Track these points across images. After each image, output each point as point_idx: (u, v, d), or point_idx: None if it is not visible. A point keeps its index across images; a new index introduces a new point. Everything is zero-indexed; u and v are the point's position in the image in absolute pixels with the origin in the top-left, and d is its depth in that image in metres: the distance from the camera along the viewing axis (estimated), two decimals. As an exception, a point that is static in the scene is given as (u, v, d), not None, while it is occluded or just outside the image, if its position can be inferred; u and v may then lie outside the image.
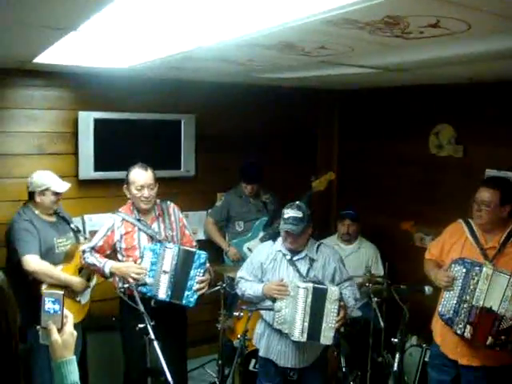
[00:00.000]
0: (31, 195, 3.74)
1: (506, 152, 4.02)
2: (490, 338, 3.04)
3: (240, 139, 5.18)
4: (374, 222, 5.12)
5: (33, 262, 3.53)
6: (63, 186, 3.77)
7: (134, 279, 3.43)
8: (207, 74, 4.08)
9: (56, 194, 3.73)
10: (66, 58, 3.38)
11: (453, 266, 3.22)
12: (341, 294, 3.31)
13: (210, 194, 5.17)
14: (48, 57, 3.30)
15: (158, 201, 3.76)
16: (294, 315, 3.29)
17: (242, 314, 3.92)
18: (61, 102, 4.46)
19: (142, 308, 3.08)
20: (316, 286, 3.29)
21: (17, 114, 4.29)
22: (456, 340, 3.25)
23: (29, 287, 3.51)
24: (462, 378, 3.30)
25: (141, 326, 3.02)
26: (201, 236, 5.10)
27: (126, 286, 3.39)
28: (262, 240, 4.64)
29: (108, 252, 3.64)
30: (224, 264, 4.84)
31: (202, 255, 3.58)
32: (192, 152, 4.97)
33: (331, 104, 5.84)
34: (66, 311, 1.69)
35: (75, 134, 4.47)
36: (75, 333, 1.70)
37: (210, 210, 5.08)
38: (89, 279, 3.79)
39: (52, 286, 3.52)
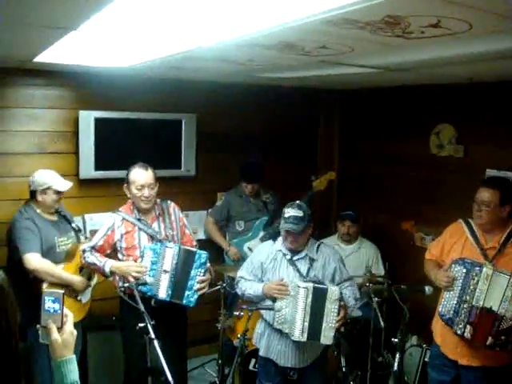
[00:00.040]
0: (33, 194, 3.74)
1: (506, 152, 4.02)
2: (489, 338, 3.04)
3: (240, 139, 5.18)
4: (374, 222, 5.12)
5: (34, 260, 3.54)
6: (65, 185, 3.78)
7: (135, 278, 3.44)
8: (207, 73, 4.08)
9: (58, 192, 3.73)
10: (66, 58, 3.38)
11: (453, 266, 3.22)
12: (341, 293, 3.31)
13: (210, 194, 5.17)
14: (48, 56, 3.30)
15: (159, 200, 3.76)
16: (294, 315, 3.29)
17: (242, 313, 3.92)
18: (61, 101, 4.47)
19: (142, 307, 3.08)
20: (316, 285, 3.29)
21: (17, 113, 4.29)
22: (456, 340, 3.25)
23: (29, 286, 3.52)
24: (462, 378, 3.30)
25: (141, 325, 3.02)
26: (201, 236, 5.10)
27: (127, 285, 3.39)
28: (263, 240, 4.64)
29: (108, 251, 3.64)
30: (224, 263, 4.84)
31: (203, 255, 3.58)
32: (192, 151, 4.97)
33: (332, 104, 5.84)
34: (65, 310, 1.69)
35: (76, 134, 4.47)
36: (75, 332, 1.70)
37: (210, 210, 5.08)
38: (89, 278, 3.80)
39: (53, 284, 3.53)
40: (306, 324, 3.28)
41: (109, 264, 3.54)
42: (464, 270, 3.16)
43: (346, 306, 3.37)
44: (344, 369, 4.09)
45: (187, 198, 4.93)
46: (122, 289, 3.39)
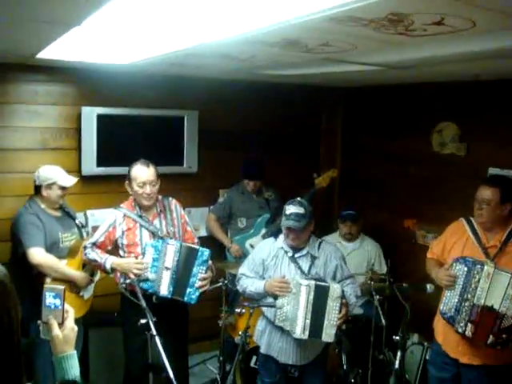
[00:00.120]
0: (37, 189, 3.77)
1: (509, 150, 4.01)
2: (491, 336, 3.03)
3: (243, 136, 5.18)
4: (376, 220, 5.12)
5: (38, 255, 3.56)
6: (70, 181, 3.80)
7: (136, 275, 3.44)
8: (210, 70, 4.08)
9: (62, 188, 3.75)
10: (69, 54, 3.38)
11: (454, 264, 3.21)
12: (343, 291, 3.31)
13: (212, 191, 5.17)
14: (51, 52, 3.30)
15: (160, 197, 3.76)
16: (295, 312, 3.29)
17: (243, 310, 3.93)
18: (64, 97, 4.47)
19: (143, 304, 3.08)
20: (318, 283, 3.28)
21: (20, 110, 4.29)
22: (457, 339, 3.25)
23: (32, 281, 3.54)
24: (463, 376, 3.30)
25: (142, 321, 3.03)
26: (203, 232, 5.11)
27: (128, 281, 3.40)
28: (264, 237, 4.65)
29: (109, 248, 3.64)
30: (226, 260, 4.84)
31: (205, 252, 3.58)
32: (194, 148, 4.97)
33: (334, 101, 5.83)
34: (66, 306, 1.70)
35: (78, 130, 4.47)
36: (76, 328, 1.71)
37: (212, 207, 5.08)
38: (92, 274, 3.81)
39: (56, 280, 3.55)
40: (308, 321, 3.28)
41: (110, 261, 3.55)
42: (465, 269, 3.16)
43: (348, 303, 3.37)
44: (345, 366, 4.10)
45: (189, 195, 4.93)
46: (124, 285, 3.39)
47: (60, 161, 4.14)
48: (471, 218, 3.34)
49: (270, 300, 3.40)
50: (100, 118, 4.47)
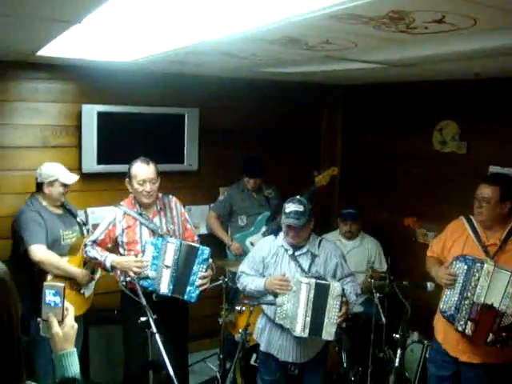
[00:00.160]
0: (39, 186, 3.78)
1: (509, 149, 4.01)
2: (490, 334, 3.04)
3: (243, 133, 5.18)
4: (376, 218, 5.12)
5: (39, 252, 3.57)
6: (72, 178, 3.82)
7: (135, 273, 3.44)
8: (211, 68, 4.07)
9: (64, 185, 3.77)
10: (69, 51, 3.38)
11: (454, 262, 3.21)
12: (343, 289, 3.30)
13: (212, 189, 5.17)
14: (52, 50, 3.29)
15: (160, 195, 3.76)
16: (295, 310, 3.29)
17: (243, 308, 3.93)
18: (64, 95, 4.47)
19: (144, 301, 3.08)
20: (319, 281, 3.28)
21: (20, 107, 4.29)
22: (457, 337, 3.25)
23: (34, 278, 3.55)
24: (462, 374, 3.30)
25: (143, 319, 3.03)
26: (203, 230, 5.11)
27: (129, 279, 3.39)
28: (265, 234, 4.65)
29: (109, 246, 3.64)
30: (226, 258, 4.84)
31: (206, 251, 3.58)
32: (195, 146, 4.97)
33: (335, 99, 5.83)
34: (66, 303, 1.70)
35: (78, 127, 4.47)
36: (76, 325, 1.71)
37: (212, 205, 5.08)
38: (93, 272, 3.82)
39: (57, 277, 3.57)
40: (308, 319, 3.28)
41: (110, 259, 3.55)
42: (465, 267, 3.15)
43: (348, 301, 3.37)
44: (345, 364, 4.10)
45: (189, 193, 4.94)
46: (124, 283, 3.39)
47: (60, 158, 4.14)
48: (471, 217, 3.34)
49: (270, 298, 3.40)
50: (100, 115, 4.47)
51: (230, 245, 4.87)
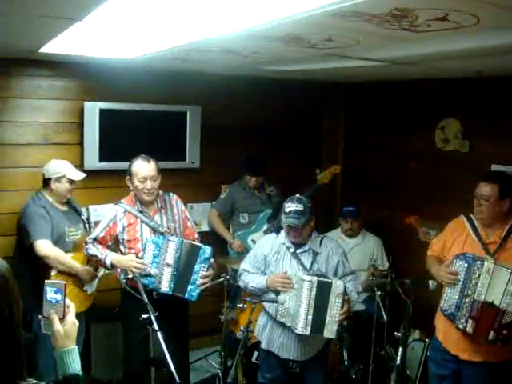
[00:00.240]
0: (46, 182, 3.81)
1: (512, 147, 4.01)
2: (491, 332, 3.03)
3: (245, 131, 5.17)
4: (378, 216, 5.11)
5: (45, 246, 3.59)
6: (79, 175, 3.87)
7: (135, 272, 3.42)
8: (213, 65, 4.07)
9: (71, 182, 3.81)
10: (71, 48, 3.38)
11: (454, 261, 3.21)
12: (345, 287, 3.30)
13: (214, 186, 5.17)
14: (54, 47, 3.29)
15: (161, 192, 3.75)
16: (297, 308, 3.29)
17: (245, 305, 3.92)
18: (67, 92, 4.47)
19: (145, 298, 3.08)
20: (321, 279, 3.28)
21: (23, 104, 4.29)
22: (458, 335, 3.24)
23: (37, 274, 3.57)
24: (463, 373, 3.30)
25: (144, 316, 3.03)
26: (205, 228, 5.11)
27: (130, 276, 3.39)
28: (266, 232, 4.64)
29: (110, 243, 3.65)
30: (228, 256, 4.85)
31: (207, 250, 3.57)
32: (197, 143, 4.97)
33: (337, 97, 5.82)
34: (67, 301, 1.70)
35: (81, 125, 4.48)
36: (77, 322, 1.71)
37: (214, 202, 5.09)
38: (97, 269, 3.82)
39: (60, 273, 3.60)
40: (310, 317, 3.28)
41: (110, 257, 3.55)
42: (466, 265, 3.15)
43: (349, 299, 3.37)
44: (346, 362, 4.11)
45: (191, 190, 4.94)
46: (124, 280, 3.40)
47: (62, 155, 4.14)
48: (471, 215, 3.33)
49: (271, 296, 3.40)
50: (102, 112, 4.47)
51: (232, 242, 4.87)
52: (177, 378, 2.76)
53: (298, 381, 3.64)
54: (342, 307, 3.27)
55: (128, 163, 3.69)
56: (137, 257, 3.53)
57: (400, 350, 3.41)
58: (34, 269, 3.63)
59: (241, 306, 3.97)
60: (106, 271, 3.85)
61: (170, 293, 3.51)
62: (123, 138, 4.57)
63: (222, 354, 3.93)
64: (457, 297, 3.19)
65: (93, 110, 4.44)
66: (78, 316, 1.74)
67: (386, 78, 4.87)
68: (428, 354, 3.98)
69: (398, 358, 3.43)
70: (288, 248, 3.44)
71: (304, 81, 5.26)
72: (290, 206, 3.33)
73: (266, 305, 3.52)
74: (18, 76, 4.27)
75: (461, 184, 4.31)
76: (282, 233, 3.50)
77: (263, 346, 3.57)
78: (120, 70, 4.41)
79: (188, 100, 4.89)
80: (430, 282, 3.40)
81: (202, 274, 3.55)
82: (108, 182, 4.54)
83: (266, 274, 3.47)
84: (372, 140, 5.41)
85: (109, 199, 4.12)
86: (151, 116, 4.72)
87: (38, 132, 4.36)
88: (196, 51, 3.20)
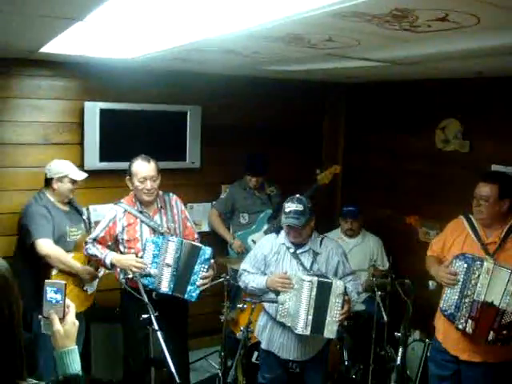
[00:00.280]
0: (48, 182, 3.82)
1: (512, 148, 4.00)
2: (491, 332, 3.03)
3: (246, 131, 5.17)
4: (378, 216, 5.11)
5: (46, 246, 3.60)
6: (81, 175, 3.87)
7: (134, 272, 3.41)
8: (213, 66, 4.07)
9: (73, 182, 3.82)
10: (72, 48, 3.38)
11: (454, 261, 3.20)
12: (345, 287, 3.30)
13: (214, 186, 5.17)
14: (54, 47, 3.29)
15: (161, 193, 3.75)
16: (297, 308, 3.29)
17: (245, 305, 3.92)
18: (67, 92, 4.47)
19: (145, 298, 3.08)
20: (321, 279, 3.28)
21: (23, 104, 4.29)
22: (458, 336, 3.24)
23: (38, 273, 3.59)
24: (462, 373, 3.29)
25: (144, 316, 3.02)
26: (205, 228, 5.11)
27: (130, 276, 3.39)
28: (267, 232, 4.64)
29: (110, 243, 3.64)
30: (228, 256, 4.84)
31: (208, 251, 3.57)
32: (197, 144, 4.97)
33: (337, 97, 5.82)
34: (67, 301, 1.70)
35: (81, 125, 4.47)
36: (77, 322, 1.71)
37: (214, 202, 5.09)
38: (97, 269, 3.82)
39: (61, 272, 3.61)
40: (310, 317, 3.28)
41: (110, 256, 3.55)
42: (465, 265, 3.15)
43: (350, 300, 3.36)
44: (346, 362, 4.11)
45: (192, 190, 4.94)
46: (124, 280, 3.40)
47: (63, 155, 4.14)
48: (470, 215, 3.33)
49: (271, 296, 3.40)
50: (103, 112, 4.47)
51: (232, 242, 4.87)
52: (177, 378, 2.76)
53: (298, 381, 3.63)
54: (343, 307, 3.27)
55: (128, 163, 3.69)
56: (136, 256, 3.53)
57: (400, 350, 3.41)
58: (35, 268, 3.64)
59: (241, 306, 3.97)
60: (107, 271, 3.86)
61: (170, 293, 3.51)
62: (123, 138, 4.57)
63: (222, 354, 3.93)
64: (456, 297, 3.18)
65: (93, 110, 4.44)
66: (78, 316, 1.74)
67: (386, 79, 4.87)
68: (428, 354, 3.98)
69: (398, 358, 3.43)
70: (288, 248, 3.44)
71: (304, 81, 5.26)
72: (290, 206, 3.33)
73: (266, 305, 3.51)
74: (19, 76, 4.27)
75: (461, 184, 4.30)
76: (282, 233, 3.50)
77: (263, 346, 3.57)
78: (120, 70, 4.41)
79: (188, 100, 4.89)
80: (430, 283, 3.40)
81: (201, 274, 3.55)
82: (108, 182, 4.54)
83: (266, 274, 3.46)
84: (372, 140, 5.41)
85: (109, 199, 4.12)
86: (151, 116, 4.72)
87: (38, 132, 4.36)
88: (196, 51, 3.19)
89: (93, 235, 3.63)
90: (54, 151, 4.32)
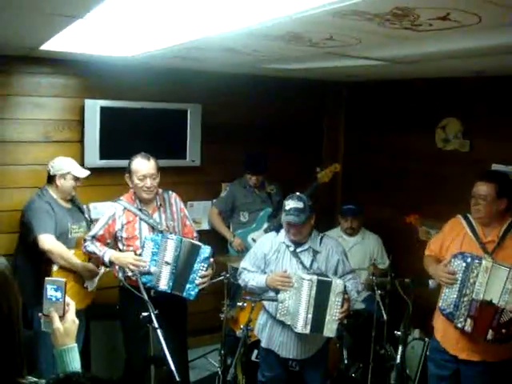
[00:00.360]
0: (50, 179, 3.82)
1: (512, 147, 4.00)
2: (490, 331, 3.03)
3: (246, 130, 5.17)
4: (378, 215, 5.11)
5: (48, 241, 3.60)
6: (83, 172, 3.88)
7: (132, 271, 3.41)
8: (213, 64, 4.07)
9: (76, 179, 3.82)
10: (72, 46, 3.38)
11: (452, 260, 3.20)
12: (345, 286, 3.30)
13: (214, 184, 5.17)
14: (55, 44, 3.29)
15: (160, 190, 3.75)
16: (297, 307, 3.29)
17: (245, 304, 3.93)
18: (67, 89, 4.46)
19: (145, 296, 3.07)
20: (320, 278, 3.28)
21: (23, 102, 4.29)
22: (457, 335, 3.24)
23: (39, 269, 3.61)
24: (461, 373, 3.29)
25: (144, 314, 3.02)
26: (205, 226, 5.11)
27: (130, 274, 3.39)
28: (267, 231, 4.65)
29: (109, 241, 3.64)
30: (228, 254, 4.84)
31: (207, 250, 3.57)
32: (198, 142, 4.96)
33: (337, 95, 5.81)
34: (67, 299, 1.70)
35: (81, 122, 4.47)
36: (77, 320, 1.71)
37: (214, 200, 5.09)
38: (98, 266, 3.83)
39: (62, 268, 3.61)
40: (310, 316, 3.28)
41: (108, 254, 3.55)
42: (464, 264, 3.15)
43: (349, 298, 3.36)
44: (346, 361, 4.11)
45: (192, 189, 4.93)
46: (123, 278, 3.40)
47: (63, 153, 4.13)
48: (468, 215, 3.33)
49: (271, 294, 3.40)
50: (103, 110, 4.47)
51: (232, 241, 4.87)
52: (176, 376, 2.76)
53: (297, 379, 3.64)
54: (342, 306, 3.27)
55: (128, 161, 3.69)
56: (135, 254, 3.53)
57: (400, 348, 3.40)
58: (36, 264, 3.66)
59: (241, 304, 3.97)
60: (107, 269, 3.86)
61: (169, 291, 3.51)
62: (124, 135, 4.57)
63: (222, 352, 3.93)
64: (455, 296, 3.18)
65: (93, 107, 4.44)
66: (79, 313, 1.74)
67: (386, 77, 4.87)
68: (428, 353, 3.98)
69: (398, 356, 3.42)
70: (288, 247, 3.44)
71: (304, 79, 5.25)
72: (290, 204, 3.33)
73: (265, 303, 3.52)
74: (19, 73, 4.26)
75: (461, 183, 4.28)
76: (282, 231, 3.50)
77: (263, 344, 3.58)
78: (120, 68, 4.40)
79: (188, 98, 4.89)
80: (431, 281, 3.40)
81: (201, 273, 3.55)
82: (108, 180, 4.53)
83: (265, 272, 3.47)
84: (372, 139, 5.41)
85: (109, 197, 4.11)
86: (152, 114, 4.72)
87: (38, 129, 4.35)
88: (196, 49, 3.19)
89: (92, 233, 3.63)
90: (55, 149, 4.32)
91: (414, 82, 4.76)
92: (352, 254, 4.40)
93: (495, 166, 4.07)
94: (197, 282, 3.55)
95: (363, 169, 5.53)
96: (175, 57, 3.67)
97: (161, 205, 3.71)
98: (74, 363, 1.64)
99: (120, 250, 3.62)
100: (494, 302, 3.03)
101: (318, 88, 5.55)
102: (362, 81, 5.37)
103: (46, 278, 1.72)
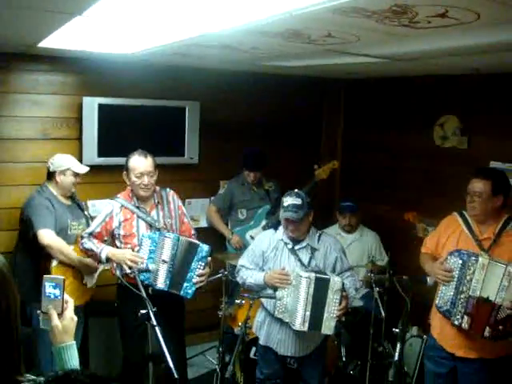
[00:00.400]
0: (50, 176, 3.83)
1: (510, 144, 4.00)
2: (487, 328, 3.02)
3: (244, 127, 5.17)
4: (376, 213, 5.11)
5: (48, 236, 3.61)
6: (83, 168, 3.90)
7: (130, 267, 3.41)
8: (212, 61, 4.06)
9: (76, 175, 3.83)
10: (70, 43, 3.37)
11: (449, 257, 3.20)
12: (343, 284, 3.30)
13: (213, 182, 5.17)
14: (53, 41, 3.28)
15: (158, 188, 3.74)
16: (295, 304, 3.29)
17: (243, 301, 3.93)
18: (65, 87, 4.45)
19: (144, 294, 3.07)
20: (318, 275, 3.28)
21: (21, 99, 4.28)
22: (453, 332, 3.24)
23: (38, 264, 3.61)
24: (458, 370, 3.29)
25: (143, 311, 3.02)
26: (203, 224, 5.11)
27: (129, 271, 3.38)
28: (265, 228, 4.65)
29: (106, 238, 3.64)
30: (226, 252, 4.84)
31: (205, 248, 3.57)
32: (196, 139, 4.96)
33: (336, 93, 5.81)
34: (66, 296, 1.70)
35: (79, 120, 4.46)
36: (75, 318, 1.71)
37: (213, 198, 5.08)
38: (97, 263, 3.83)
39: (61, 264, 3.62)
40: (308, 314, 3.28)
41: (105, 250, 3.54)
42: (460, 262, 3.15)
43: (347, 296, 3.37)
44: (344, 358, 4.11)
45: (190, 186, 4.93)
46: (121, 275, 3.39)
47: (61, 150, 4.12)
48: (464, 212, 3.33)
49: (269, 292, 3.40)
50: (101, 107, 4.46)
51: (230, 238, 4.87)
52: (175, 374, 2.76)
53: (295, 377, 3.65)
54: (340, 303, 3.27)
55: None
56: (133, 251, 3.53)
57: (398, 346, 3.42)
58: (36, 262, 3.66)
59: (239, 301, 3.97)
60: (106, 266, 3.86)
61: (166, 289, 3.50)
62: (122, 133, 4.56)
63: (220, 349, 3.93)
64: (452, 293, 3.18)
65: (92, 105, 4.43)
66: (78, 310, 1.74)
67: (385, 75, 4.87)
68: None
69: (396, 354, 3.44)
70: (286, 244, 3.44)
71: (303, 76, 5.25)
72: (289, 200, 3.34)
73: (264, 301, 3.52)
74: (17, 71, 4.25)
75: (459, 180, 4.28)
76: (281, 229, 3.50)
77: (261, 341, 3.58)
78: (119, 65, 4.40)
79: (187, 95, 4.88)
80: (428, 278, 3.40)
81: (198, 271, 3.55)
82: (107, 177, 4.53)
83: (264, 270, 3.47)
84: (371, 136, 5.41)
85: (107, 194, 4.11)
86: (150, 111, 4.71)
87: (36, 127, 4.34)
88: (196, 46, 3.19)
89: (89, 230, 3.63)
90: (53, 146, 4.31)
91: (412, 79, 4.77)
92: (350, 251, 4.41)
93: (493, 164, 4.07)
94: (194, 280, 3.54)
95: (361, 166, 5.53)
96: (175, 54, 3.66)
97: (158, 202, 3.70)
98: (73, 360, 1.64)
99: (117, 248, 3.62)
100: (490, 298, 3.03)
101: (316, 85, 5.55)
102: (361, 78, 5.37)
103: (45, 276, 1.72)
